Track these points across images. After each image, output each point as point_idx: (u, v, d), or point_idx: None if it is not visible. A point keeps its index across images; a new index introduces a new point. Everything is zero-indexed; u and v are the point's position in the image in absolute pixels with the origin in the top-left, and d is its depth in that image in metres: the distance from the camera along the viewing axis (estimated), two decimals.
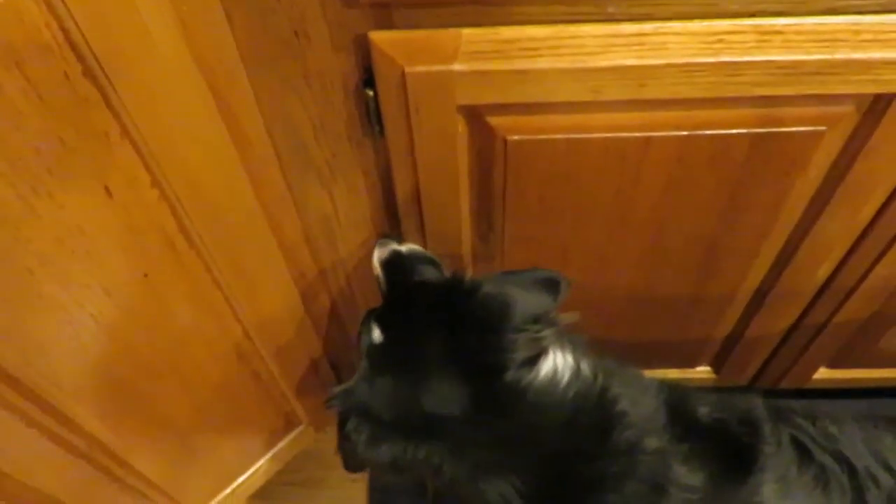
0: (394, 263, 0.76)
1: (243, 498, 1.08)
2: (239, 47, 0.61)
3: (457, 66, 0.59)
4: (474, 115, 0.66)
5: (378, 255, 0.77)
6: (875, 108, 0.64)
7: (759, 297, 0.92)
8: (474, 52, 0.59)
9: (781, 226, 0.79)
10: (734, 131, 0.66)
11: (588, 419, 0.63)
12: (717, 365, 1.10)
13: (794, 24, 0.58)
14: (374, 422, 0.64)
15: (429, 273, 0.75)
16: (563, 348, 0.64)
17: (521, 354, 0.60)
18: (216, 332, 0.79)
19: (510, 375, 0.60)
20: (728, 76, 0.60)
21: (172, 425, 0.83)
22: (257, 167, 0.72)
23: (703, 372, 1.12)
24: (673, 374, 1.12)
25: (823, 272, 0.87)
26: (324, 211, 0.81)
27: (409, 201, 0.76)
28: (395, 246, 0.78)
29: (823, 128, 0.66)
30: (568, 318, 0.66)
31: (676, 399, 0.68)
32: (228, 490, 1.04)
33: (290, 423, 1.09)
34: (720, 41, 0.59)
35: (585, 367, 0.64)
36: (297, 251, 0.85)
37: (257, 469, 1.07)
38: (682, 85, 0.61)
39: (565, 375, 0.62)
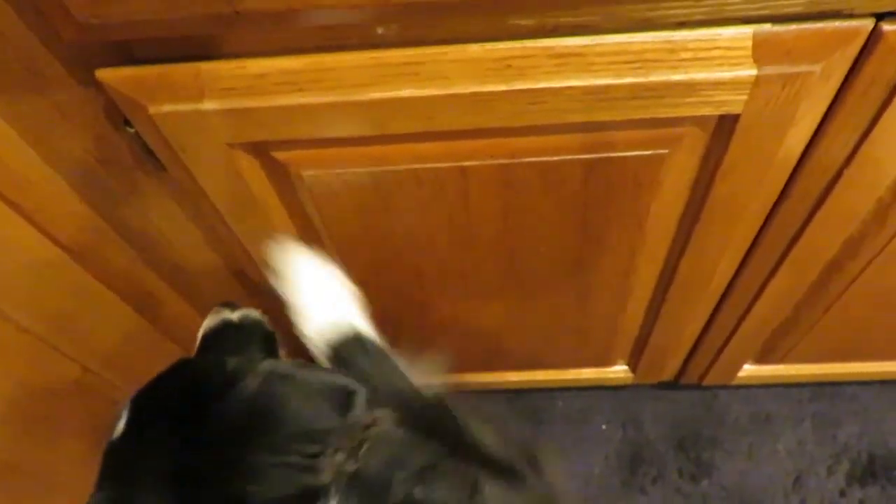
0: (222, 335, 0.63)
1: None
2: None
3: (207, 105, 0.51)
4: (258, 152, 0.57)
5: (206, 325, 0.63)
6: (721, 128, 0.54)
7: (654, 307, 0.84)
8: (225, 88, 0.50)
9: (653, 244, 0.70)
10: (559, 158, 0.57)
11: None
12: (632, 365, 1.03)
13: (594, 45, 0.48)
14: None
15: (253, 352, 0.62)
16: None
17: (271, 489, 0.43)
18: (49, 377, 0.73)
19: None
20: (529, 104, 0.51)
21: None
22: (52, 207, 0.65)
23: (620, 372, 1.04)
24: (588, 373, 1.05)
25: (716, 286, 0.78)
26: (155, 240, 0.74)
27: (231, 238, 0.68)
28: (227, 314, 0.64)
29: (664, 150, 0.57)
30: None
31: None
32: None
33: None
34: (508, 67, 0.49)
35: None
36: (137, 277, 0.79)
37: None
38: (478, 115, 0.52)
39: None
